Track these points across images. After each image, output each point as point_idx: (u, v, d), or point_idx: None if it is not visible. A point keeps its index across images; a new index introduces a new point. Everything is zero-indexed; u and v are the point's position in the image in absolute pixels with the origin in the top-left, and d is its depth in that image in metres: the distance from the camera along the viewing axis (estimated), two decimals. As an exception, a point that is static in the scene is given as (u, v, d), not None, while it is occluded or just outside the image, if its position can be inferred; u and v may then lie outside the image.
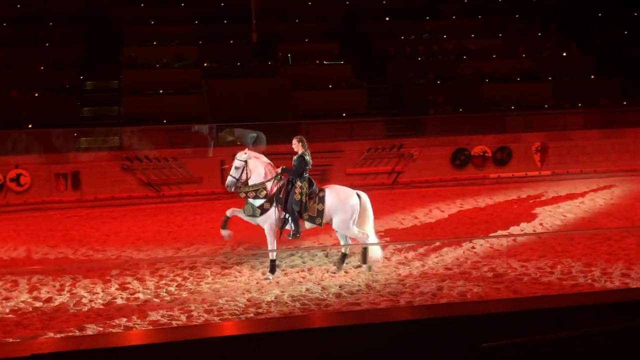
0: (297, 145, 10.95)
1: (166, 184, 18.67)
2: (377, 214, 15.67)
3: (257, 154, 11.20)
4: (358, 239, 11.08)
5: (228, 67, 23.48)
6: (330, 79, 23.21)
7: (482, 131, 20.91)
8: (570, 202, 16.71)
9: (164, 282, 10.64)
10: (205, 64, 23.50)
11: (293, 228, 10.76)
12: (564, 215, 15.10)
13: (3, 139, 18.50)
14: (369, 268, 10.89)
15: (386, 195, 18.56)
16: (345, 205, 10.85)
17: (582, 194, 17.74)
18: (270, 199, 10.74)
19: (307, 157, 10.90)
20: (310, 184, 10.93)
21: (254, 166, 10.88)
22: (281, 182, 10.84)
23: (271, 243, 10.86)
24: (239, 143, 19.63)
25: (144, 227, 15.28)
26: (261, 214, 10.76)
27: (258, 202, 10.75)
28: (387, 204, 17.23)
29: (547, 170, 20.59)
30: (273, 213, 10.75)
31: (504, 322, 5.24)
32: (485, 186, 19.61)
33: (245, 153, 10.93)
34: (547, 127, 21.58)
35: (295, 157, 10.93)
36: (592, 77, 24.86)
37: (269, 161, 11.13)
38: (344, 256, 11.14)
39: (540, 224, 14.31)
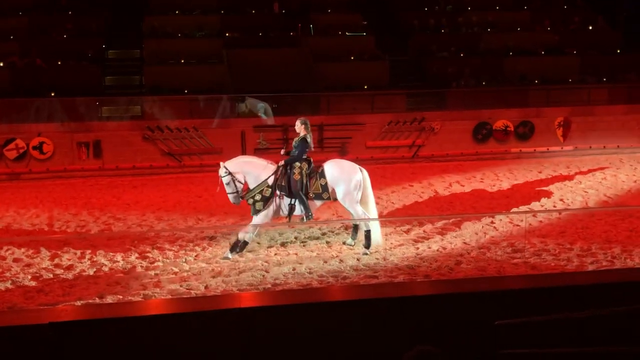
0: (300, 128, 10.74)
1: (187, 154, 18.75)
2: (397, 188, 15.72)
3: (242, 160, 10.91)
4: (361, 223, 10.79)
5: (249, 37, 23.38)
6: (352, 50, 23.04)
7: (504, 105, 20.69)
8: (592, 178, 16.56)
9: (183, 252, 10.74)
10: (226, 34, 23.42)
11: (303, 211, 10.65)
12: (585, 192, 14.97)
13: (26, 107, 18.65)
14: (368, 253, 10.55)
15: (406, 168, 18.52)
16: (347, 176, 10.60)
17: (604, 170, 17.57)
18: (272, 188, 10.51)
19: (309, 140, 10.68)
20: (309, 164, 10.72)
21: (245, 171, 10.61)
22: (280, 170, 10.62)
23: (252, 229, 10.59)
24: (261, 115, 19.63)
25: (165, 196, 15.39)
26: (264, 205, 10.53)
27: (258, 197, 10.55)
28: (407, 177, 17.20)
29: (570, 146, 20.37)
30: (273, 202, 10.54)
31: (521, 298, 5.23)
32: (506, 161, 19.47)
33: (223, 167, 10.62)
34: (571, 102, 21.29)
35: (296, 140, 10.72)
36: (619, 51, 24.45)
37: (261, 161, 10.88)
38: (368, 233, 10.69)
39: (561, 200, 14.20)
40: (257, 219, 10.62)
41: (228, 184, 10.59)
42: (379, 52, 23.36)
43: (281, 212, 10.76)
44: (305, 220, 10.70)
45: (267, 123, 19.31)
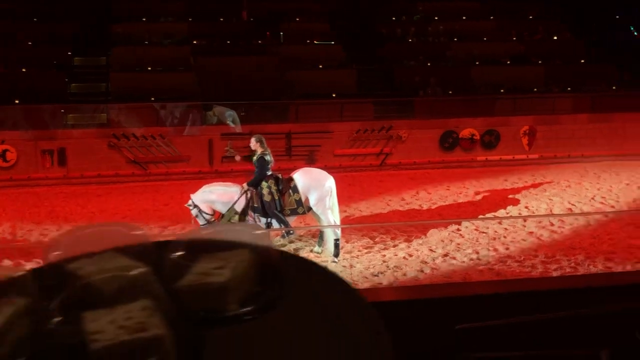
0: (255, 145, 10.60)
1: (153, 162, 18.59)
2: (365, 196, 15.76)
3: (206, 190, 10.76)
4: (327, 233, 10.75)
5: (218, 45, 23.32)
6: (321, 59, 23.10)
7: (471, 114, 20.89)
8: (556, 186, 16.77)
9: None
10: (194, 42, 23.33)
11: (283, 228, 10.59)
12: (550, 199, 15.16)
13: (-10, 114, 18.36)
14: (336, 261, 10.49)
15: (374, 176, 18.57)
16: (318, 183, 10.59)
17: (569, 178, 17.82)
18: (243, 212, 10.43)
19: (268, 157, 10.55)
20: (277, 180, 10.60)
21: (210, 202, 10.54)
22: (249, 192, 10.52)
23: None
24: (229, 123, 19.55)
25: (130, 204, 15.23)
26: None
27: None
28: (375, 185, 17.25)
29: (535, 154, 20.62)
30: None
31: (486, 304, 5.26)
32: (473, 169, 19.63)
33: (190, 200, 10.59)
34: (537, 111, 21.58)
35: (255, 159, 10.58)
36: (583, 61, 24.85)
37: (225, 187, 10.80)
38: (337, 242, 10.61)
39: (526, 207, 14.36)
40: None
41: (196, 216, 10.54)
42: (348, 61, 23.45)
43: None
44: (287, 236, 10.66)
45: (235, 131, 19.23)
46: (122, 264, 0.94)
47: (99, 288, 0.91)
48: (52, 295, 0.88)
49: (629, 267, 10.01)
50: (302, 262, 1.08)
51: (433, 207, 14.65)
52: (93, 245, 1.00)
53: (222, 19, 24.69)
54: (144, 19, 24.04)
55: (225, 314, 0.91)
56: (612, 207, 14.50)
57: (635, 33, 27.37)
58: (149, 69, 21.76)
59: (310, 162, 18.37)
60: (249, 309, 0.91)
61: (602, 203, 14.85)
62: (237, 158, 11.64)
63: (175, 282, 0.93)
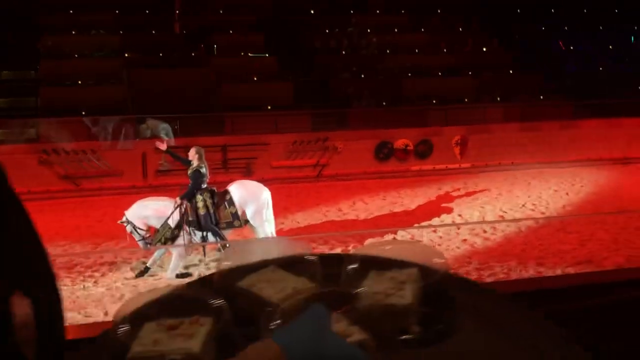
0: (193, 156, 10.44)
1: (85, 177, 18.19)
2: (302, 207, 15.79)
3: (140, 205, 10.53)
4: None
5: (151, 57, 23.05)
6: (255, 71, 23.10)
7: (404, 125, 21.23)
8: (488, 194, 17.16)
9: (81, 278, 10.38)
10: (126, 54, 22.99)
11: (219, 242, 10.50)
12: (482, 207, 15.49)
13: None
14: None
15: (311, 187, 18.64)
16: (254, 196, 10.55)
17: (500, 186, 18.26)
18: (177, 227, 10.26)
19: (203, 170, 10.42)
20: (212, 194, 10.49)
21: (143, 217, 10.33)
22: (184, 206, 10.34)
23: (174, 268, 10.23)
24: (162, 136, 19.28)
25: (62, 221, 14.85)
26: (173, 243, 10.27)
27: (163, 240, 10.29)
28: (312, 196, 17.31)
29: (467, 163, 21.08)
30: (182, 239, 10.28)
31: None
32: (407, 179, 19.91)
33: (124, 216, 10.39)
34: (468, 120, 22.09)
35: (190, 172, 10.43)
36: (511, 72, 25.59)
37: (159, 201, 10.62)
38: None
39: (460, 216, 14.64)
40: (174, 257, 10.34)
41: (131, 232, 10.34)
42: (282, 73, 23.52)
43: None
44: (222, 250, 10.50)
45: (169, 144, 18.97)
46: (292, 280, 0.94)
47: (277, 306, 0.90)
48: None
49: (559, 272, 10.31)
50: (467, 283, 1.07)
51: (370, 217, 14.78)
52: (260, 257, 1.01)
53: (154, 32, 24.42)
54: (74, 32, 23.56)
55: (409, 336, 0.89)
56: (542, 213, 14.91)
57: (559, 44, 28.34)
58: (79, 82, 21.32)
59: (247, 174, 18.31)
60: (432, 331, 0.90)
61: (532, 210, 15.26)
62: (162, 147, 11.40)
63: (353, 301, 0.92)
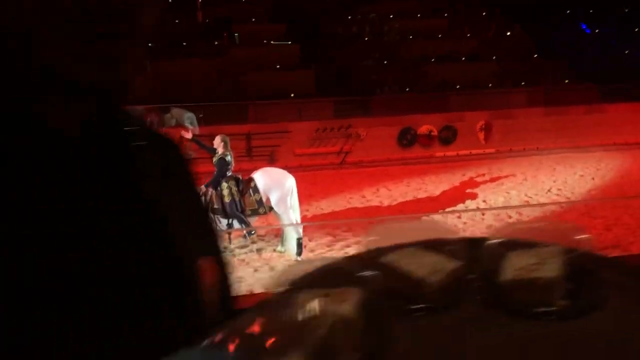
0: (219, 144, 10.48)
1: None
2: (326, 194, 15.84)
3: None
4: (289, 232, 10.69)
5: (174, 47, 23.17)
6: (277, 59, 23.15)
7: (428, 110, 21.16)
8: (513, 179, 17.09)
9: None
10: (149, 44, 23.12)
11: (245, 229, 10.57)
12: (507, 192, 15.44)
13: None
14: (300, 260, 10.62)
15: (334, 175, 18.68)
16: (279, 183, 10.59)
17: (525, 171, 18.17)
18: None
19: (228, 158, 10.46)
20: (237, 182, 10.54)
21: None
22: (209, 193, 10.38)
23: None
24: (187, 125, 19.44)
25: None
26: None
27: None
28: (335, 183, 17.35)
29: (491, 149, 20.97)
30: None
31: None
32: (431, 165, 19.87)
33: None
34: (492, 106, 21.95)
35: (215, 160, 10.49)
36: (535, 56, 25.37)
37: None
38: (299, 241, 10.51)
39: (484, 201, 14.61)
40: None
41: None
42: (304, 61, 23.54)
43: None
44: (248, 237, 10.60)
45: (194, 133, 19.10)
46: (436, 259, 0.95)
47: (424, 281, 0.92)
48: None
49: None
50: (613, 260, 1.05)
51: (393, 203, 14.79)
52: (404, 238, 1.02)
53: (177, 21, 24.55)
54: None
55: (552, 309, 0.89)
56: (568, 198, 14.83)
57: (585, 28, 28.02)
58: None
59: (271, 162, 18.39)
60: (577, 305, 0.89)
61: (557, 195, 15.18)
62: (188, 136, 11.43)
63: (495, 277, 0.93)
